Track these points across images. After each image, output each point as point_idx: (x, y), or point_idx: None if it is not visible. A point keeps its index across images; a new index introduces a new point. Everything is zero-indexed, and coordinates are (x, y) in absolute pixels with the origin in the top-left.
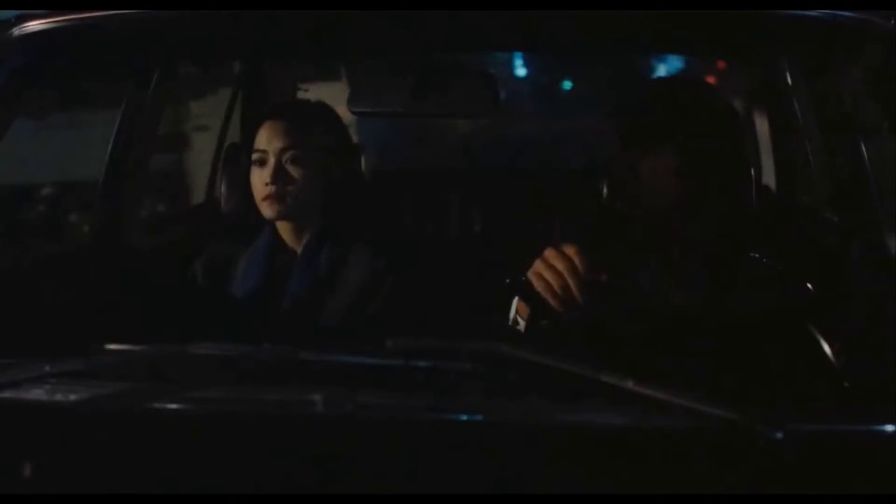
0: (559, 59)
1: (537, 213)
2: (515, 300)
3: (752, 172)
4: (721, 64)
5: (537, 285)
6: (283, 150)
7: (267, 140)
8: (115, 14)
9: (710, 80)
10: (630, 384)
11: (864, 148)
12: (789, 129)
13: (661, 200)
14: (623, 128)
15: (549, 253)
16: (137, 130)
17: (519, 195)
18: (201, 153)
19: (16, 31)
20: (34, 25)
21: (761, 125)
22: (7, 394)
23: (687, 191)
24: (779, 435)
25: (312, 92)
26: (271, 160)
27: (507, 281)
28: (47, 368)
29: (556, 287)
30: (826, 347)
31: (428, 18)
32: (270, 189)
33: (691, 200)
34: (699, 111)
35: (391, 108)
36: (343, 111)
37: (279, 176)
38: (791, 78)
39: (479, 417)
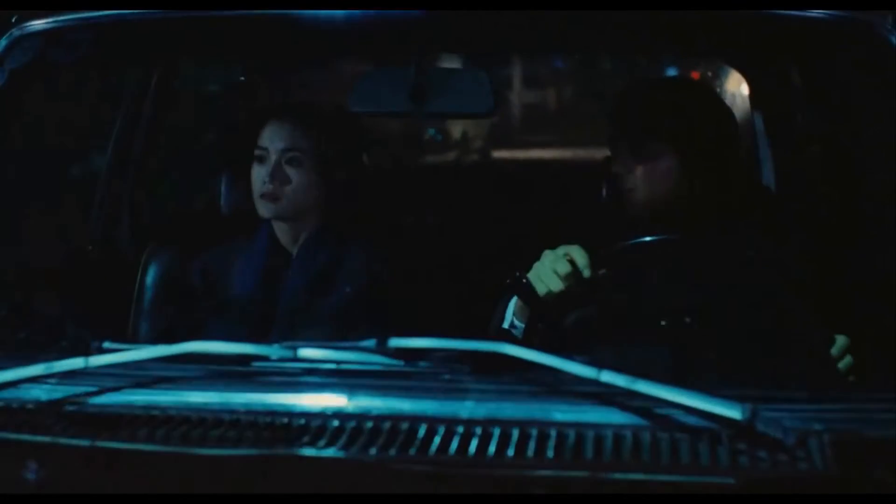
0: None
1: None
2: (513, 302)
3: (751, 170)
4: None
5: (539, 288)
6: (283, 151)
7: (269, 139)
8: (116, 14)
9: (695, 75)
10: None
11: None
12: (789, 128)
13: (658, 200)
14: (616, 128)
15: (550, 255)
16: (138, 130)
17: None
18: (201, 152)
19: (16, 32)
20: (34, 26)
21: (761, 125)
22: (7, 394)
23: (682, 190)
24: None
25: None
26: (271, 159)
27: (508, 282)
28: (47, 368)
29: (557, 289)
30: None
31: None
32: (267, 187)
33: (687, 199)
34: (692, 110)
35: (391, 108)
36: None
37: (277, 175)
38: (791, 77)
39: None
